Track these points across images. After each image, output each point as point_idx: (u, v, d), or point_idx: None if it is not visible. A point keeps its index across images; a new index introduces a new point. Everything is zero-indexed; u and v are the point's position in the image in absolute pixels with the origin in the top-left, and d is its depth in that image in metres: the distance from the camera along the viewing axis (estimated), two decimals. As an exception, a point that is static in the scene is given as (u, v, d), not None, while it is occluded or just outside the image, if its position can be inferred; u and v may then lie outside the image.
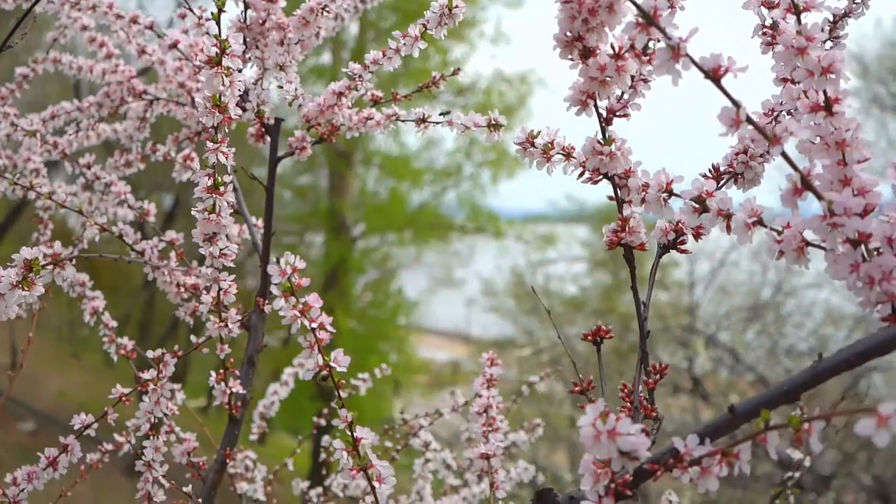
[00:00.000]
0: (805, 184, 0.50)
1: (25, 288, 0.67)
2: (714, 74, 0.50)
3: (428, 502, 1.19)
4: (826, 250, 0.53)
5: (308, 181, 11.55)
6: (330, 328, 0.61)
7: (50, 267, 0.65)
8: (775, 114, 0.68)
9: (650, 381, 0.61)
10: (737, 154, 0.68)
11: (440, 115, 0.93)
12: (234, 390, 0.96)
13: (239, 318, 0.89)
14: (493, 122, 0.84)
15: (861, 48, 8.10)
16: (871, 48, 8.22)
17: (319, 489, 1.49)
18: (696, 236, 0.66)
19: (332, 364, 0.62)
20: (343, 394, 0.65)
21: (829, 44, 0.70)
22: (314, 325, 0.60)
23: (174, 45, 1.08)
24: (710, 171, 0.68)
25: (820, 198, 0.50)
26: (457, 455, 1.44)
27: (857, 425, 0.40)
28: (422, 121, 0.93)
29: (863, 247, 0.52)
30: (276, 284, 0.60)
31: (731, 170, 0.68)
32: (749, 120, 0.49)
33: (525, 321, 9.87)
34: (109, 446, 1.11)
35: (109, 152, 1.34)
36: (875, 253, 0.51)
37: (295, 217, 11.75)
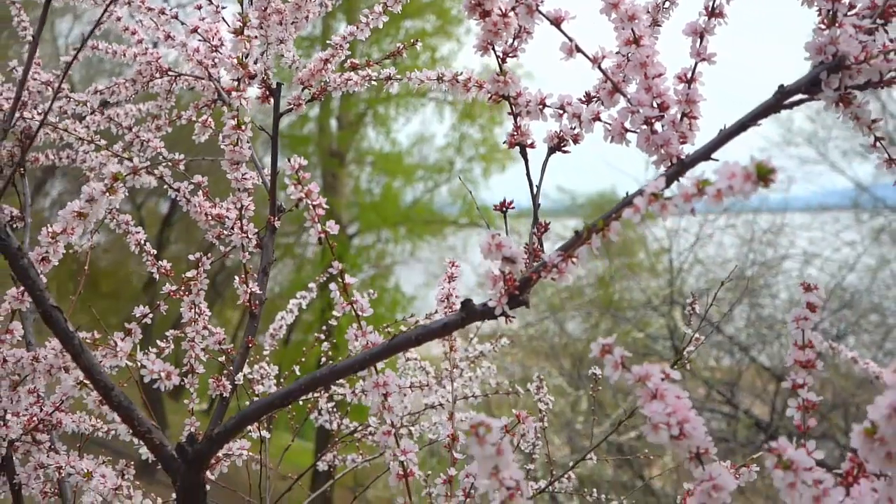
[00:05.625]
0: (615, 88, 0.81)
1: (111, 193, 0.96)
2: (556, 22, 0.80)
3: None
4: (636, 132, 0.83)
5: (302, 181, 11.82)
6: (325, 206, 0.91)
7: (132, 175, 0.94)
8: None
9: (538, 232, 0.91)
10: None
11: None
12: (253, 291, 1.25)
13: (256, 230, 1.19)
14: (440, 76, 1.14)
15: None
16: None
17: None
18: (575, 141, 0.96)
19: (328, 229, 0.91)
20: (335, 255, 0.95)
21: (667, 3, 1.00)
22: (314, 203, 0.90)
23: (195, 30, 1.37)
24: (584, 95, 0.98)
25: (625, 96, 0.80)
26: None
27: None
28: (388, 79, 1.23)
29: (659, 126, 0.82)
30: (287, 176, 0.89)
31: (597, 95, 0.97)
32: (577, 48, 0.79)
33: (522, 310, 10.08)
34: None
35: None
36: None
37: (290, 217, 12.01)
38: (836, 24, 0.73)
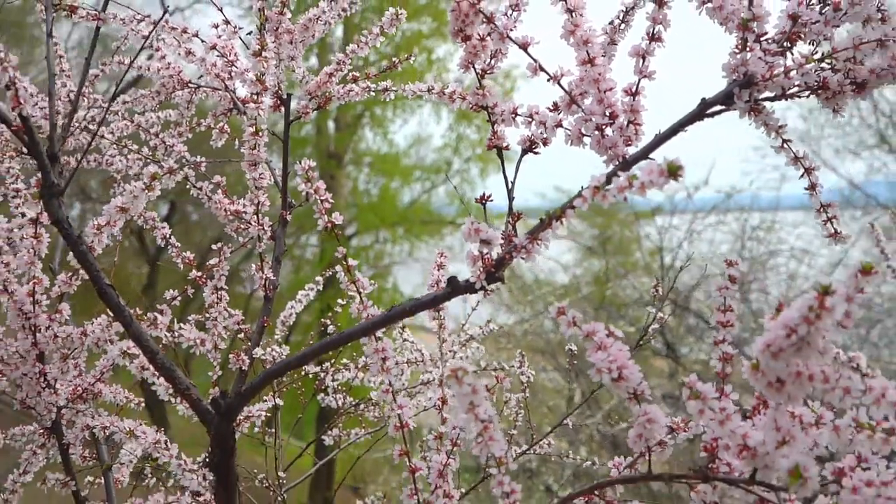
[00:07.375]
0: (572, 100, 0.98)
1: (149, 190, 1.13)
2: (523, 46, 0.97)
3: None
4: (590, 136, 1.00)
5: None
6: (330, 200, 1.08)
7: (167, 175, 1.12)
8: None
9: (513, 221, 1.08)
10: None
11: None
12: (268, 276, 1.42)
13: (271, 223, 1.36)
14: (430, 88, 1.31)
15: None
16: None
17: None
18: (545, 144, 1.13)
19: (333, 220, 1.09)
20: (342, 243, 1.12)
21: (623, 25, 1.17)
22: (322, 197, 1.07)
23: (213, 47, 1.54)
24: (552, 104, 1.15)
25: (579, 107, 0.98)
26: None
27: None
28: (386, 90, 1.40)
29: (609, 131, 0.99)
30: (298, 175, 1.06)
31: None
32: (540, 67, 0.97)
33: (519, 309, 10.23)
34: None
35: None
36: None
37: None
38: (747, 49, 0.90)
